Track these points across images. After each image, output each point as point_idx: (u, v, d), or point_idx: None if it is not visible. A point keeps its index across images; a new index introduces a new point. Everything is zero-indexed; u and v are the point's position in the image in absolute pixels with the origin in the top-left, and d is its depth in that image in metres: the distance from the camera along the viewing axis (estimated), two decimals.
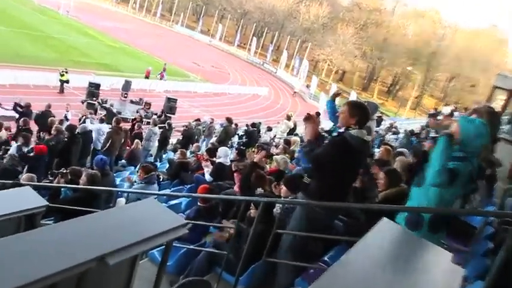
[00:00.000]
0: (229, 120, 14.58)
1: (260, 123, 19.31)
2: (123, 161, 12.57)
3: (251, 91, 44.18)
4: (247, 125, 17.15)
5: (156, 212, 2.38)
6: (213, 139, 15.27)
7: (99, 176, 5.91)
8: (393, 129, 19.05)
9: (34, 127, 12.95)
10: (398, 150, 7.93)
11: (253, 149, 9.92)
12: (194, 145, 12.35)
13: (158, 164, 12.24)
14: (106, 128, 12.44)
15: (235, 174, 6.72)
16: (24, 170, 8.82)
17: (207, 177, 8.08)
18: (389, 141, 14.24)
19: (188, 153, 11.16)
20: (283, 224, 4.30)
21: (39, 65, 28.90)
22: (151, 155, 14.12)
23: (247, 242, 4.06)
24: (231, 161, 8.54)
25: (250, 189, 5.55)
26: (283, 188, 4.77)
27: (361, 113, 3.82)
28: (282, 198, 4.73)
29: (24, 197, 4.04)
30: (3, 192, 4.63)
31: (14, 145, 10.17)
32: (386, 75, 78.56)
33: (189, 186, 8.24)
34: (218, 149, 8.95)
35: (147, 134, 13.57)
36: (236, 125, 17.44)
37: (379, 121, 19.09)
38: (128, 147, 13.15)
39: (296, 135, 15.62)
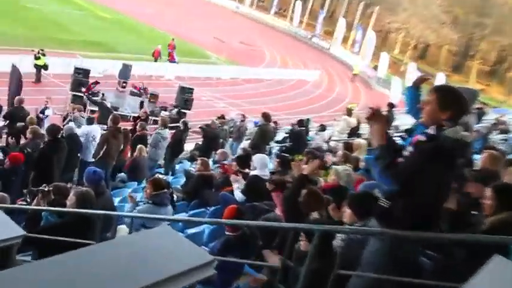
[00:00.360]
0: (266, 116, 14.58)
1: (309, 120, 19.30)
2: (122, 174, 12.83)
3: (295, 76, 44.42)
4: (292, 124, 17.15)
5: (171, 245, 2.38)
6: (245, 143, 15.33)
7: (93, 194, 6.04)
8: (501, 126, 18.51)
9: None
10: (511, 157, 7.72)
11: (300, 157, 9.90)
12: (219, 152, 12.43)
13: (170, 178, 12.43)
14: (99, 130, 12.75)
15: (274, 193, 6.73)
16: None
17: (238, 195, 8.11)
18: (496, 143, 13.83)
19: (211, 163, 11.26)
20: (347, 261, 4.24)
21: (6, 45, 30.00)
22: (159, 166, 14.37)
23: (298, 286, 4.04)
24: (271, 173, 8.54)
25: (298, 212, 5.54)
26: (347, 212, 4.72)
27: (456, 103, 3.72)
28: (346, 226, 4.68)
29: None
30: None
31: None
32: (489, 49, 76.58)
33: (213, 208, 8.33)
34: (252, 157, 8.96)
35: (153, 138, 13.82)
36: (276, 123, 17.48)
37: (480, 114, 18.62)
38: (128, 156, 13.40)
39: (360, 136, 15.46)
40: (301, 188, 5.73)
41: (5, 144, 11.26)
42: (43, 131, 11.74)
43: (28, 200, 9.24)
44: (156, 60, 34.48)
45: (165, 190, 7.23)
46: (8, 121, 13.92)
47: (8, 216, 4.49)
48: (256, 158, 8.81)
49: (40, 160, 9.74)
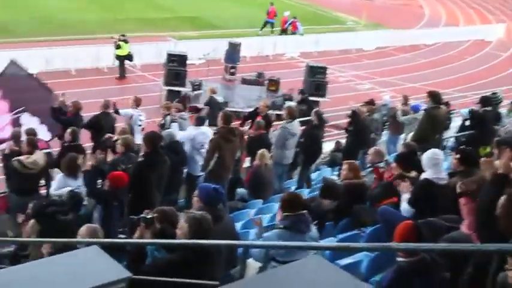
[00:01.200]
0: (434, 96, 14.10)
1: (497, 96, 18.46)
2: (242, 190, 13.13)
3: (469, 35, 43.19)
4: (474, 103, 16.49)
5: (334, 284, 2.39)
6: (406, 136, 15.02)
7: (210, 220, 6.19)
8: None
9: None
10: None
11: (488, 149, 9.54)
12: (371, 151, 12.24)
13: (305, 191, 12.50)
14: (208, 132, 13.05)
15: (462, 200, 6.55)
16: (95, 216, 9.71)
17: (404, 208, 8.02)
18: None
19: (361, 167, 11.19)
20: None
21: (81, 34, 32.04)
22: (285, 175, 14.50)
23: None
24: (449, 174, 8.33)
25: (497, 229, 5.39)
26: None
27: None
28: None
29: (92, 265, 4.48)
30: (59, 258, 5.19)
31: (58, 176, 11.26)
32: None
33: (371, 229, 8.34)
34: (422, 156, 8.80)
35: (279, 135, 13.88)
36: (448, 104, 16.94)
37: None
38: (243, 164, 13.59)
39: None
40: (498, 194, 5.55)
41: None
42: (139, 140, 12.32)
43: (123, 231, 9.82)
44: (284, 31, 35.27)
45: (303, 211, 7.19)
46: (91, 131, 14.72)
47: (108, 253, 4.84)
48: (426, 156, 8.63)
49: (136, 179, 10.08)
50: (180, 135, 12.71)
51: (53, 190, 10.84)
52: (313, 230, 7.33)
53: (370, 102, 17.70)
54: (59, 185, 10.74)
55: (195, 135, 12.80)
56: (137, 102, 15.92)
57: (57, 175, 11.31)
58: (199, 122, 13.55)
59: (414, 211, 8.00)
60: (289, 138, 13.84)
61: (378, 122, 16.96)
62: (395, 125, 16.76)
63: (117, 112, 15.04)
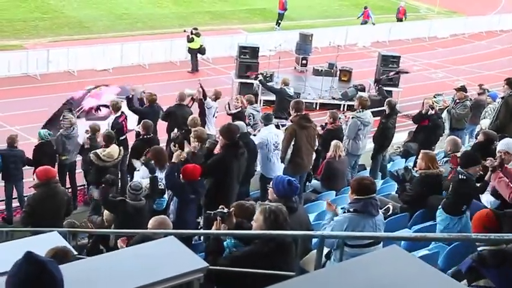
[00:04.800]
0: None
1: None
2: (314, 182, 13.11)
3: None
4: None
5: (417, 276, 2.35)
6: (484, 124, 14.64)
7: (285, 212, 6.18)
8: None
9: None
10: None
11: None
12: (448, 140, 11.97)
13: (379, 182, 12.39)
14: (279, 133, 12.95)
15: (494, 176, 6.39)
16: (171, 208, 9.89)
17: (488, 199, 7.89)
18: None
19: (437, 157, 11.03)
20: None
21: (154, 29, 32.49)
22: (358, 167, 14.47)
23: None
24: None
25: None
26: None
27: None
28: None
29: (170, 255, 4.54)
30: (137, 248, 5.28)
31: (141, 168, 11.48)
32: None
33: None
34: (497, 144, 8.63)
35: (351, 126, 13.80)
36: None
37: None
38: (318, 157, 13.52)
39: None
40: None
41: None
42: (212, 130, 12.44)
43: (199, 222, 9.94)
44: (400, 20, 35.40)
45: (374, 195, 7.21)
46: (168, 124, 14.95)
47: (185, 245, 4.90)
48: (503, 144, 8.45)
49: (218, 170, 10.18)
50: (255, 139, 12.65)
51: (138, 179, 11.03)
52: (380, 213, 7.33)
53: (462, 89, 17.21)
54: (144, 175, 10.97)
55: (267, 137, 12.62)
56: (217, 96, 16.17)
57: (142, 167, 11.52)
58: (267, 120, 13.33)
59: (499, 202, 7.89)
60: (362, 128, 13.75)
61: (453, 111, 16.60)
62: (474, 115, 16.40)
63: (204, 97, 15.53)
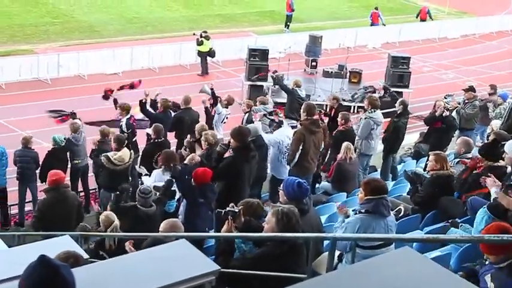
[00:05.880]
0: None
1: None
2: (325, 183, 13.08)
3: None
4: None
5: (430, 278, 2.34)
6: (494, 124, 14.60)
7: (297, 213, 6.18)
8: None
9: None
10: None
11: None
12: (460, 141, 11.93)
13: (390, 184, 12.36)
14: (290, 133, 12.96)
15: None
16: (181, 209, 9.99)
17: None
18: None
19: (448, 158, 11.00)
20: None
21: (163, 32, 32.56)
22: (369, 168, 14.44)
23: None
24: None
25: None
26: None
27: None
28: None
29: (181, 258, 4.54)
30: (149, 252, 5.28)
31: (155, 172, 11.48)
32: None
33: (460, 220, 8.20)
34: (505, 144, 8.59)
35: (363, 126, 13.76)
36: None
37: None
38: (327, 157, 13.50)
39: None
40: None
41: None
42: (220, 135, 12.45)
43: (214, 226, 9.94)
44: (423, 20, 35.88)
45: (385, 195, 7.20)
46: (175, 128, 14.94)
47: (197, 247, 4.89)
48: (511, 145, 8.42)
49: (229, 172, 10.23)
50: (267, 139, 12.64)
51: (149, 183, 11.04)
52: (391, 214, 7.33)
53: (471, 89, 17.18)
54: (156, 179, 11.01)
55: (281, 139, 12.60)
56: (229, 102, 16.16)
57: (154, 170, 11.57)
58: (279, 123, 13.42)
59: None
60: (374, 127, 13.76)
61: (464, 112, 16.55)
62: (484, 116, 16.35)
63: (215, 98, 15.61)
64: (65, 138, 13.69)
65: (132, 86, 16.89)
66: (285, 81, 22.67)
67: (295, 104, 16.64)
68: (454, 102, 16.73)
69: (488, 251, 5.69)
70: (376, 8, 35.60)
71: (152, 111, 15.08)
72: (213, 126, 14.76)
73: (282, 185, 7.80)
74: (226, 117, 15.64)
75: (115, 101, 15.24)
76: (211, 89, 15.98)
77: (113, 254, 7.97)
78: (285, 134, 12.77)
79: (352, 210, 7.50)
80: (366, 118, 13.96)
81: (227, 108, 15.85)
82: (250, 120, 14.55)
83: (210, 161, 10.63)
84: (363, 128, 13.86)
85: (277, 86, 22.59)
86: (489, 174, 8.48)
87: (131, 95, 15.78)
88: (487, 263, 5.88)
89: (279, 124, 13.45)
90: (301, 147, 11.86)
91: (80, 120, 14.61)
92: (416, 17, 37.25)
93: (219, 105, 15.56)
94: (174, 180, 10.29)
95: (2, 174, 13.56)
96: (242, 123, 14.43)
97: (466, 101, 16.05)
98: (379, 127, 14.02)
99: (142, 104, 14.82)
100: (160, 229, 7.78)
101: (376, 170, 14.75)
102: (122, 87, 16.54)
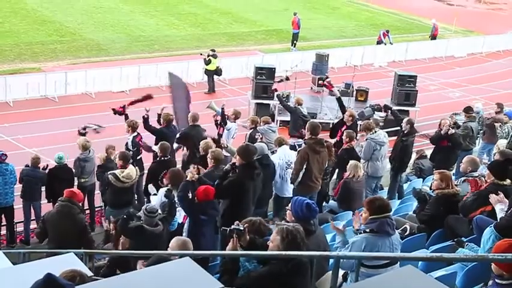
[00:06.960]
0: None
1: None
2: (331, 202, 13.11)
3: None
4: None
5: None
6: (501, 143, 14.59)
7: (302, 232, 6.17)
8: None
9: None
10: None
11: None
12: (466, 159, 11.91)
13: (396, 202, 12.32)
14: (291, 152, 13.03)
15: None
16: (185, 230, 9.99)
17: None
18: None
19: (453, 177, 10.98)
20: None
21: (170, 50, 32.77)
22: (376, 187, 14.43)
23: None
24: None
25: None
26: None
27: None
28: None
29: (185, 276, 4.55)
30: (153, 269, 5.29)
31: (161, 191, 11.38)
32: None
33: (466, 239, 8.17)
34: None
35: (366, 148, 13.79)
36: None
37: None
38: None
39: None
40: None
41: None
42: (225, 152, 12.47)
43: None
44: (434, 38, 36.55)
45: (389, 214, 7.21)
46: (181, 145, 14.98)
47: (200, 265, 4.90)
48: None
49: (233, 191, 10.18)
50: (272, 158, 12.69)
51: (155, 203, 11.03)
52: (396, 233, 7.32)
53: (465, 110, 17.30)
54: (163, 198, 10.92)
55: (279, 156, 12.70)
56: (236, 116, 16.24)
57: (161, 189, 11.53)
58: (279, 144, 13.27)
59: None
60: (377, 148, 13.74)
61: (473, 130, 16.57)
62: (491, 134, 16.35)
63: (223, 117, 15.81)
64: (63, 157, 13.77)
65: (144, 99, 16.81)
66: (291, 100, 22.78)
67: (299, 122, 16.68)
68: (451, 120, 16.73)
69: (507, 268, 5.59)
70: (387, 31, 35.65)
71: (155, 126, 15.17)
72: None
73: (290, 205, 7.78)
74: (236, 132, 15.70)
75: (126, 117, 15.31)
76: (222, 108, 16.01)
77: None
78: (285, 151, 12.88)
79: (357, 230, 7.48)
80: (367, 140, 13.98)
81: (235, 122, 15.89)
82: (253, 137, 14.52)
83: (213, 179, 10.57)
84: (365, 149, 13.92)
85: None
86: (498, 192, 8.47)
87: (139, 112, 15.77)
88: (490, 283, 5.85)
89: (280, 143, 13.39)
90: (305, 166, 11.89)
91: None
92: (430, 38, 37.54)
93: (228, 122, 15.61)
94: (174, 202, 10.28)
95: (10, 192, 13.61)
96: (245, 140, 14.53)
97: (463, 122, 16.16)
98: (383, 147, 13.98)
99: (145, 120, 14.86)
100: (170, 246, 7.71)
101: (383, 189, 14.71)
102: (133, 102, 16.53)
